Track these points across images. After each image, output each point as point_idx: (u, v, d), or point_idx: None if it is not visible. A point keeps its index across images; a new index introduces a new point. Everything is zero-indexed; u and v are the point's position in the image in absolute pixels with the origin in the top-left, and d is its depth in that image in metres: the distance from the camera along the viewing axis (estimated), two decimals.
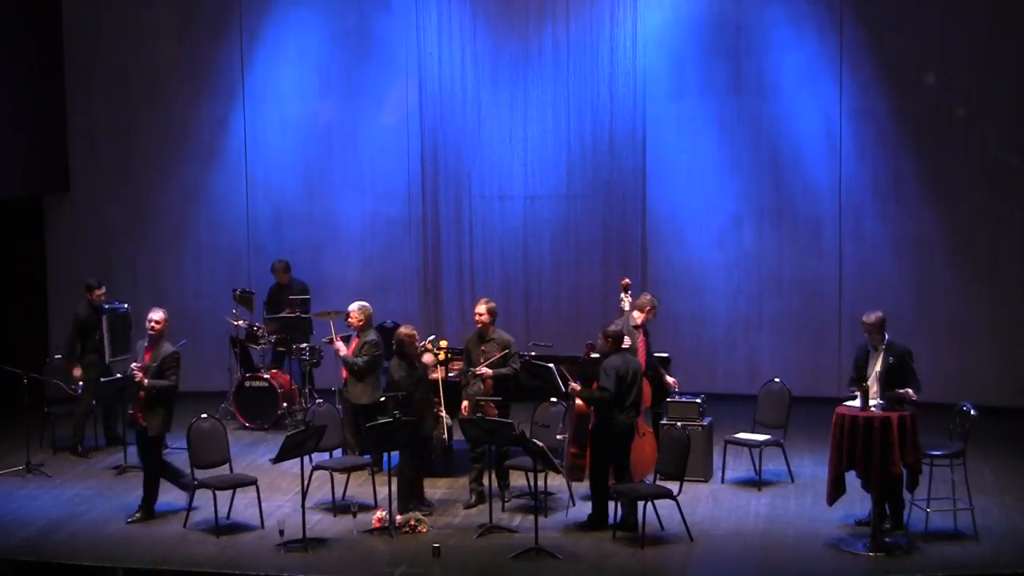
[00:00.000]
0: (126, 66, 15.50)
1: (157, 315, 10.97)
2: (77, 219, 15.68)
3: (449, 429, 11.40)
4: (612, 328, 10.75)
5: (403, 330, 10.94)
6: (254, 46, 15.49)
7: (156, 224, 15.72)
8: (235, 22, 15.44)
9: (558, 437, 11.00)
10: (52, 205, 15.69)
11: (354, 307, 11.90)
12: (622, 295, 11.59)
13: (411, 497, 10.83)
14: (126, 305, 13.47)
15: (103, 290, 13.18)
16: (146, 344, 11.00)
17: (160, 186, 15.66)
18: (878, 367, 10.28)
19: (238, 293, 14.41)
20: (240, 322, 14.08)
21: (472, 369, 11.22)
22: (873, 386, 10.20)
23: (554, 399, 11.29)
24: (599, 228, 15.08)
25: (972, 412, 10.29)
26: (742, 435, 11.72)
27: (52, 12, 15.31)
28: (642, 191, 14.96)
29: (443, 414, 11.17)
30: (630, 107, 14.82)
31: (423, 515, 10.66)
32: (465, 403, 11.30)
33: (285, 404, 13.67)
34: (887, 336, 10.36)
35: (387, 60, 15.37)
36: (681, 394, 11.83)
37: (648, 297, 12.00)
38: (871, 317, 10.37)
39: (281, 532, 10.16)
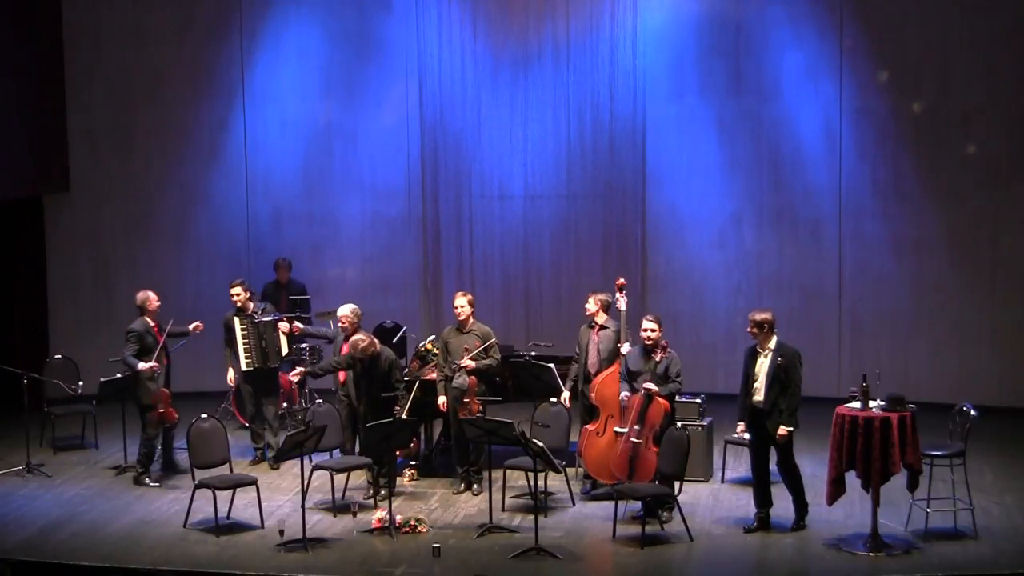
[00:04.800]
0: (126, 66, 15.49)
1: None
2: (77, 219, 15.67)
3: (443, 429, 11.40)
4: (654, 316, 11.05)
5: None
6: (254, 46, 15.49)
7: (156, 224, 15.71)
8: (235, 22, 15.44)
9: (634, 440, 10.60)
10: (52, 205, 15.67)
11: (345, 311, 11.85)
12: (618, 295, 11.41)
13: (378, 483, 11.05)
14: (268, 317, 12.54)
15: (237, 292, 12.57)
16: None
17: (160, 186, 15.65)
18: (766, 368, 10.28)
19: None
20: None
21: (456, 362, 11.23)
22: (761, 389, 10.25)
23: (554, 399, 11.30)
24: (599, 228, 15.07)
25: (972, 412, 10.29)
26: (742, 435, 11.69)
27: (52, 12, 15.30)
28: (642, 191, 14.95)
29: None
30: (630, 107, 14.81)
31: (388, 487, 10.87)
32: (443, 399, 11.35)
33: (285, 404, 13.67)
34: (775, 337, 10.38)
35: (387, 60, 15.37)
36: (681, 394, 11.81)
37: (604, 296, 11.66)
38: (757, 315, 10.39)
39: (281, 532, 10.16)
